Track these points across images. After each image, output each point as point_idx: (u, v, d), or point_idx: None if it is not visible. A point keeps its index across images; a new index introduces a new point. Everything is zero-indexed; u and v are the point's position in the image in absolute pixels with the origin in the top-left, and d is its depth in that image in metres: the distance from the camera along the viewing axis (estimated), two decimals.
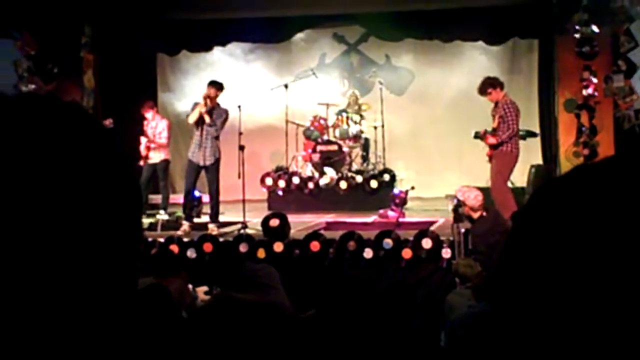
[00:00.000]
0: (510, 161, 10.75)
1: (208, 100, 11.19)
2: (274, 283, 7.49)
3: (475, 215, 8.95)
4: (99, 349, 0.91)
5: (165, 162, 13.03)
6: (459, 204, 9.11)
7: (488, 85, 10.91)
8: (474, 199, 8.92)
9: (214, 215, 11.46)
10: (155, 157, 12.86)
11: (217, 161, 11.39)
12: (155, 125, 12.94)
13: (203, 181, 11.84)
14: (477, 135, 11.83)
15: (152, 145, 12.84)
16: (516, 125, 10.69)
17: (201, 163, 11.32)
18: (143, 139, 12.84)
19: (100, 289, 0.92)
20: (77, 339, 0.89)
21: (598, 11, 13.35)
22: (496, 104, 10.84)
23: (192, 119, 11.30)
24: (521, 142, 12.65)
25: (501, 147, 10.66)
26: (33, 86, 13.09)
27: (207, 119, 11.19)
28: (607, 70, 13.51)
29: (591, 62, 13.70)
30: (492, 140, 10.67)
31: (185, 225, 11.34)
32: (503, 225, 8.86)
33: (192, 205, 11.75)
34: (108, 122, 12.11)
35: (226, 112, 11.39)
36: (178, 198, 12.98)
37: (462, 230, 9.26)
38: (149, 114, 13.00)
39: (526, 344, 0.87)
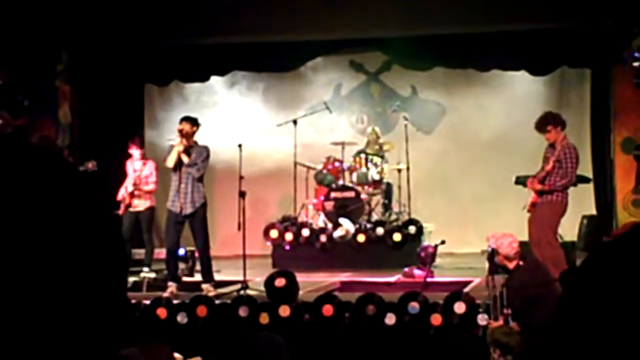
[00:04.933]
0: (560, 212, 10.72)
1: (183, 139, 11.19)
2: (281, 355, 7.43)
3: (511, 265, 8.92)
4: None
5: (151, 211, 13.03)
6: (494, 252, 9.09)
7: (550, 121, 10.86)
8: (509, 246, 8.89)
9: (207, 273, 11.41)
10: (140, 204, 12.85)
11: (201, 208, 11.35)
12: (141, 168, 12.94)
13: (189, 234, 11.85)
14: (519, 181, 11.81)
15: (137, 192, 12.83)
16: (574, 175, 10.65)
17: (182, 212, 11.28)
18: (129, 185, 12.81)
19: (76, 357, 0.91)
20: None
21: None
22: (552, 144, 10.81)
23: (171, 161, 11.26)
24: (571, 188, 12.66)
25: (550, 195, 10.63)
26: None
27: (185, 159, 11.19)
28: None
29: None
30: (538, 185, 10.63)
31: (172, 286, 11.28)
32: (543, 277, 8.83)
33: (176, 263, 11.70)
34: (91, 164, 12.16)
35: (206, 149, 11.40)
36: None
37: (499, 283, 9.21)
38: (136, 152, 13.00)
39: None
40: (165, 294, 11.00)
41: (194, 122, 11.38)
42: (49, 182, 0.94)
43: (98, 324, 0.93)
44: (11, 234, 0.89)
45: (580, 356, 0.89)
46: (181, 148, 11.16)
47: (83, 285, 0.92)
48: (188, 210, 11.23)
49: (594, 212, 14.38)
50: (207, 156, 11.38)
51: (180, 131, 11.22)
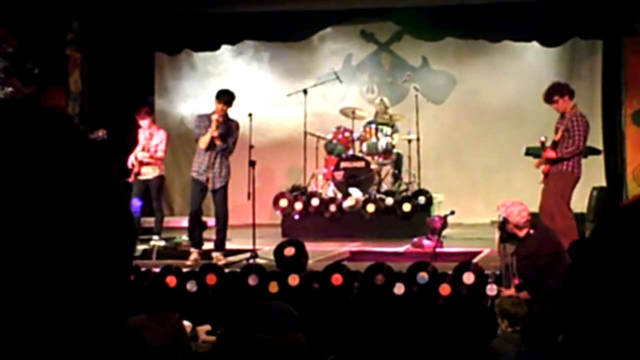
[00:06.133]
0: (571, 182, 10.72)
1: (220, 119, 11.17)
2: (292, 323, 7.39)
3: (521, 233, 8.92)
4: None
5: (160, 179, 13.03)
6: (505, 221, 9.10)
7: (555, 91, 10.88)
8: (518, 214, 8.89)
9: (220, 242, 11.46)
10: (149, 172, 12.86)
11: (226, 183, 11.42)
12: (151, 136, 12.94)
13: (207, 204, 11.85)
14: (529, 152, 11.79)
15: (146, 160, 12.83)
16: (582, 143, 10.65)
17: (209, 186, 11.33)
18: (139, 153, 12.82)
19: (75, 327, 0.91)
20: None
21: None
22: (562, 115, 10.82)
23: (204, 144, 11.28)
24: (582, 160, 12.62)
25: (561, 165, 10.65)
26: (10, 89, 13.19)
27: (218, 142, 11.21)
28: None
29: None
30: (551, 153, 10.65)
31: (195, 253, 11.32)
32: (553, 245, 8.82)
33: (200, 230, 11.73)
34: (102, 132, 12.20)
35: (237, 125, 11.39)
36: (177, 221, 13.00)
37: (511, 252, 9.22)
38: (144, 122, 12.99)
39: None
40: (189, 262, 11.05)
41: (230, 98, 11.29)
42: (57, 146, 0.94)
43: (102, 293, 0.93)
44: (15, 197, 0.89)
45: (590, 326, 0.89)
46: (216, 133, 11.14)
47: (86, 252, 0.92)
48: (217, 185, 11.32)
49: (604, 184, 14.36)
50: (237, 134, 11.40)
51: (219, 118, 11.15)
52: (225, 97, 11.29)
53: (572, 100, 10.83)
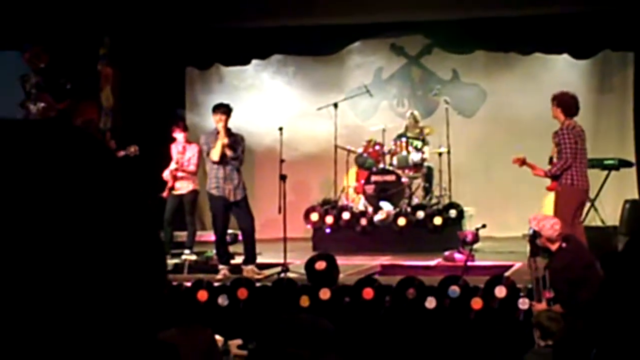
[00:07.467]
0: (572, 196, 10.64)
1: (224, 130, 11.23)
2: (327, 339, 7.31)
3: (554, 247, 8.88)
4: None
5: (194, 193, 13.09)
6: (535, 235, 9.06)
7: (557, 97, 10.94)
8: (551, 227, 8.85)
9: (250, 256, 11.48)
10: (183, 187, 12.93)
11: (246, 194, 11.48)
12: (184, 151, 13.00)
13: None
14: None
15: (180, 174, 12.89)
16: (570, 156, 10.55)
17: (232, 198, 11.36)
18: (173, 166, 12.89)
19: (112, 343, 0.92)
20: None
21: None
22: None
23: (216, 155, 11.31)
24: (614, 173, 12.55)
25: (561, 178, 10.63)
26: (42, 104, 13.25)
27: (229, 152, 11.26)
28: None
29: None
30: (538, 172, 10.77)
31: (224, 269, 11.36)
32: (586, 259, 8.78)
33: (227, 247, 11.77)
34: (133, 149, 12.29)
35: (242, 137, 11.50)
36: (208, 235, 13.01)
37: (541, 265, 9.17)
38: (180, 135, 13.06)
39: None
40: (219, 276, 11.09)
41: (228, 110, 11.37)
42: (85, 167, 0.95)
43: (132, 310, 0.94)
44: (46, 217, 0.90)
45: (623, 340, 0.88)
46: (226, 141, 11.20)
47: (115, 270, 0.92)
48: (239, 196, 11.38)
49: (636, 196, 14.26)
50: (244, 145, 11.50)
51: (225, 127, 11.23)
52: (223, 108, 11.37)
53: (567, 117, 10.76)
